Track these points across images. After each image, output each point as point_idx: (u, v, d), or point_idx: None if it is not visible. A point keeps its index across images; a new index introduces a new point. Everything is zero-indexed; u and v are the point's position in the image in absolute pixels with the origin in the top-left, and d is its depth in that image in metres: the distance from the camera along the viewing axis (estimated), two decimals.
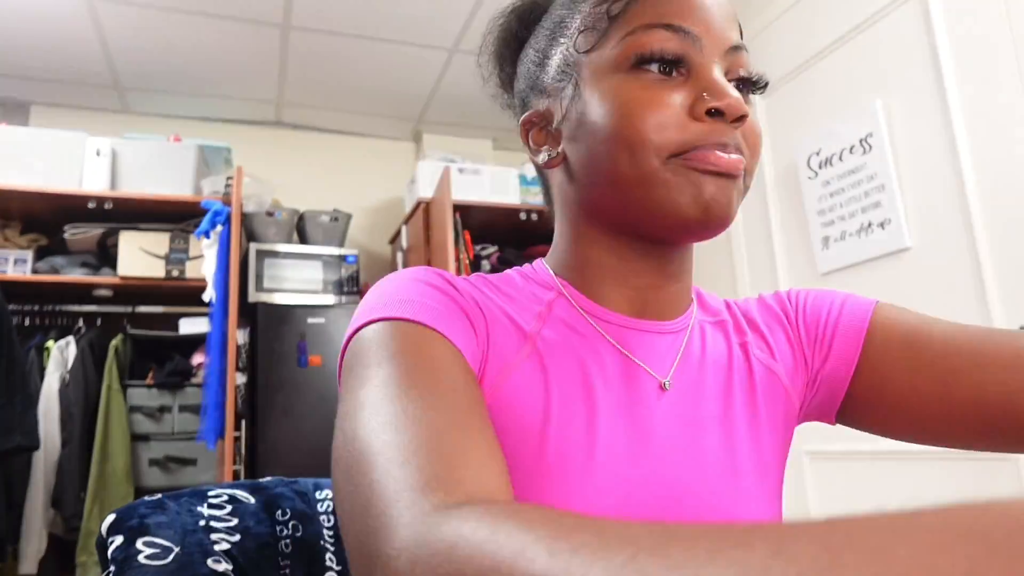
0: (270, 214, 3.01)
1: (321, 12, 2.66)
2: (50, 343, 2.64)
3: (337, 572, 0.72)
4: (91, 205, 2.70)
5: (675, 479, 0.52)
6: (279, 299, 2.85)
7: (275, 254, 2.93)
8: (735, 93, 0.50)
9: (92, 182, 2.71)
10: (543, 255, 0.64)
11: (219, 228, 2.66)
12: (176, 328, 2.86)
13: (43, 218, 2.82)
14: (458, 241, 2.73)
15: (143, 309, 2.98)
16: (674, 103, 0.50)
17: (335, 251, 3.04)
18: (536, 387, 0.52)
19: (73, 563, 2.49)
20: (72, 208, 2.73)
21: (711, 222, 0.51)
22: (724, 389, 0.58)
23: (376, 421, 0.40)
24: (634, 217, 0.53)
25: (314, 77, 3.13)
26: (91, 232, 2.80)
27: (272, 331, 2.71)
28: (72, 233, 2.78)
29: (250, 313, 2.80)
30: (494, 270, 3.01)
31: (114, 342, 2.71)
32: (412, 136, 3.75)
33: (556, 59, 0.57)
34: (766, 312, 0.65)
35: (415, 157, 3.70)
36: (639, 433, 0.53)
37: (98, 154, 2.74)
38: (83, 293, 2.83)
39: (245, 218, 2.90)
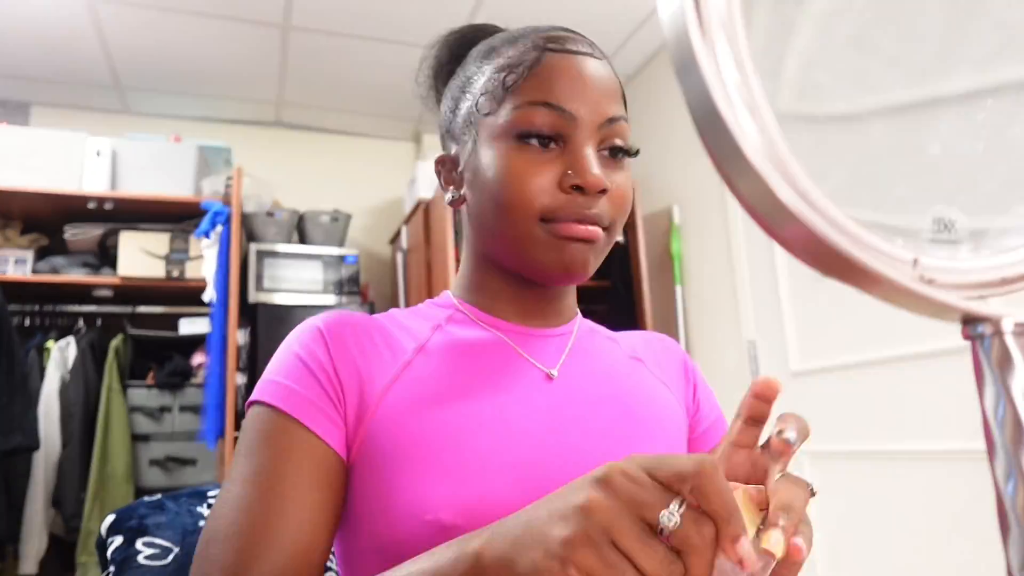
0: (270, 214, 3.01)
1: (321, 12, 2.66)
2: (50, 343, 2.64)
3: (336, 573, 0.72)
4: (91, 205, 2.69)
5: (567, 449, 0.59)
6: (279, 299, 2.85)
7: (275, 254, 2.93)
8: (595, 171, 0.59)
9: (92, 182, 2.71)
10: None
11: (219, 228, 2.65)
12: (176, 328, 2.86)
13: (43, 218, 2.82)
14: (458, 241, 2.73)
15: (143, 309, 2.98)
16: (546, 175, 0.60)
17: (335, 251, 3.04)
18: (424, 386, 0.60)
19: (73, 563, 2.48)
20: (72, 208, 2.73)
21: (571, 277, 0.62)
22: (613, 378, 0.67)
23: (220, 510, 0.55)
24: (512, 264, 0.64)
25: (314, 77, 3.13)
26: (91, 232, 2.80)
27: (272, 331, 2.71)
28: (72, 233, 2.78)
29: (250, 313, 2.80)
30: None
31: (114, 342, 2.71)
32: (412, 136, 3.75)
33: (463, 111, 0.67)
34: (667, 353, 0.76)
35: (415, 157, 3.70)
36: (525, 415, 0.60)
37: (98, 154, 2.74)
38: (83, 293, 2.82)
39: (245, 218, 2.89)
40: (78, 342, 2.66)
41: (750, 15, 0.22)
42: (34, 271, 2.70)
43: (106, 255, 2.83)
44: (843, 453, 2.09)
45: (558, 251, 0.60)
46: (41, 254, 2.81)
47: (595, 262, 0.63)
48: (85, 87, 3.10)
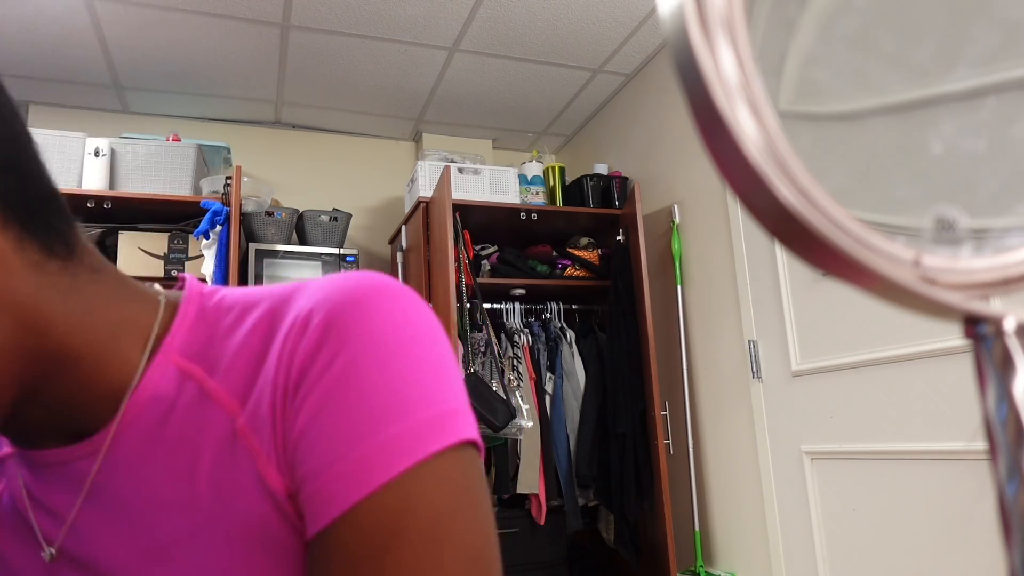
0: (269, 214, 3.01)
1: (321, 12, 2.66)
2: None
3: None
4: (90, 205, 2.69)
5: None
6: None
7: (274, 254, 2.93)
8: None
9: (91, 182, 2.71)
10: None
11: (218, 228, 2.65)
12: None
13: None
14: (458, 241, 2.73)
15: None
16: None
17: (334, 251, 3.04)
18: None
19: None
20: (71, 208, 2.72)
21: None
22: (151, 528, 0.41)
23: None
24: None
25: (314, 77, 3.13)
26: (90, 232, 2.80)
27: None
28: None
29: None
30: (493, 270, 3.01)
31: None
32: (412, 136, 3.75)
33: None
34: (287, 347, 0.41)
35: (415, 157, 3.70)
36: None
37: (97, 154, 2.74)
38: None
39: (244, 218, 2.89)
40: None
41: (751, 13, 0.22)
42: None
43: (105, 255, 2.82)
44: (843, 453, 2.09)
45: None
46: None
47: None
48: (84, 86, 3.10)
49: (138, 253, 2.75)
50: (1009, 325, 0.23)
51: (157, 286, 0.48)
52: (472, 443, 0.41)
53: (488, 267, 3.02)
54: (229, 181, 2.80)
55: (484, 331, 2.77)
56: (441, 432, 0.39)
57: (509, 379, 2.75)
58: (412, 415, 0.39)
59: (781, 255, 2.34)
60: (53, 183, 0.43)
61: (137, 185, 2.77)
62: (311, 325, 0.41)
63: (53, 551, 0.43)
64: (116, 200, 2.70)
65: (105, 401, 0.42)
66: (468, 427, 0.41)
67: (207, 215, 2.64)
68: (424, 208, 2.94)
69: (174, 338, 0.44)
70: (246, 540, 0.39)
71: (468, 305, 2.73)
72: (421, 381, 0.40)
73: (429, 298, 2.81)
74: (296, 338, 0.40)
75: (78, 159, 2.72)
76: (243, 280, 2.81)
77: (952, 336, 1.78)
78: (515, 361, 2.81)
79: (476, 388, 2.51)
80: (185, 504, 0.40)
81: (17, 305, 0.38)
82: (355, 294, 0.41)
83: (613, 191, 3.14)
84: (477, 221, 3.00)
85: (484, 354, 2.77)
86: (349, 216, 3.21)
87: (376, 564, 0.36)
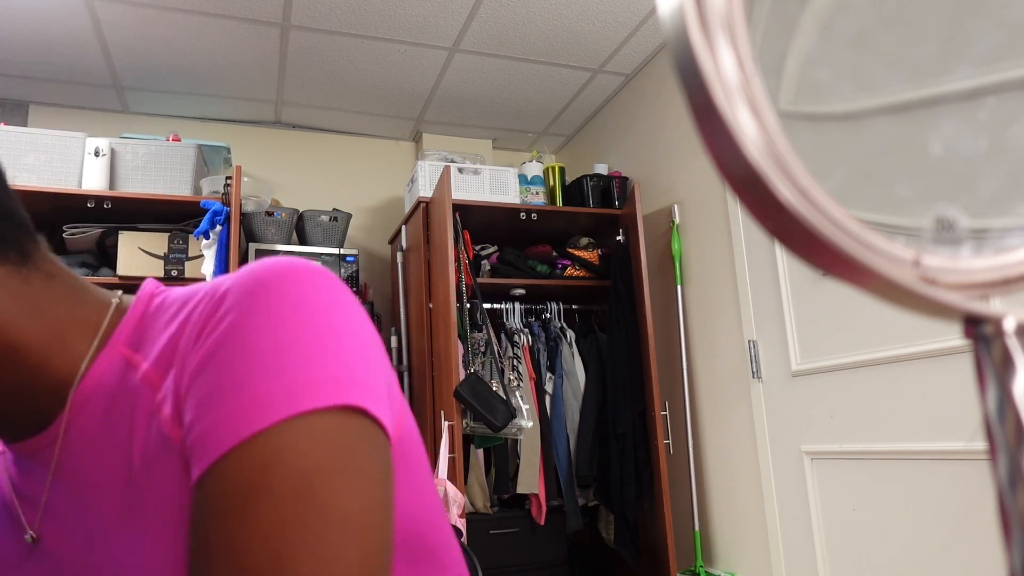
0: (269, 214, 3.01)
1: (321, 12, 2.66)
2: None
3: None
4: (90, 205, 2.69)
5: None
6: None
7: (274, 254, 2.93)
8: None
9: (91, 182, 2.71)
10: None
11: (218, 228, 2.65)
12: None
13: (42, 218, 2.82)
14: (458, 241, 2.73)
15: None
16: None
17: (334, 251, 3.04)
18: None
19: None
20: (71, 208, 2.73)
21: None
22: (104, 506, 0.44)
23: None
24: None
25: (314, 77, 3.12)
26: (90, 232, 2.80)
27: None
28: (71, 233, 2.78)
29: None
30: (493, 270, 3.01)
31: None
32: (412, 136, 3.75)
33: None
34: (195, 323, 0.44)
35: (415, 157, 3.70)
36: None
37: (97, 154, 2.74)
38: None
39: (244, 218, 2.89)
40: None
41: (751, 13, 0.22)
42: None
43: (105, 255, 2.83)
44: (843, 453, 2.09)
45: None
46: None
47: None
48: (84, 86, 3.10)
49: (138, 253, 2.74)
50: (1009, 325, 0.23)
51: (119, 292, 0.52)
52: (363, 412, 0.41)
53: (488, 267, 3.02)
54: (229, 181, 2.80)
55: (484, 331, 2.77)
56: (316, 393, 0.39)
57: (509, 379, 2.75)
58: (286, 375, 0.39)
59: (781, 255, 2.34)
60: (11, 202, 0.47)
61: (137, 185, 2.77)
62: (216, 297, 0.43)
63: (34, 534, 0.46)
64: (116, 200, 2.70)
65: (54, 392, 0.46)
66: (356, 394, 0.40)
67: (207, 215, 2.64)
68: (424, 208, 2.94)
69: (121, 332, 0.47)
70: (167, 515, 0.41)
71: (468, 305, 2.73)
72: (304, 346, 0.40)
73: (429, 298, 2.81)
74: (203, 310, 0.43)
75: (78, 159, 2.71)
76: None
77: (952, 336, 1.78)
78: (515, 361, 2.81)
79: (476, 388, 2.51)
80: (124, 481, 0.43)
81: None
82: (263, 273, 0.43)
83: (613, 191, 3.14)
84: (477, 221, 3.00)
85: (484, 354, 2.77)
86: (349, 216, 3.21)
87: (239, 515, 0.36)
